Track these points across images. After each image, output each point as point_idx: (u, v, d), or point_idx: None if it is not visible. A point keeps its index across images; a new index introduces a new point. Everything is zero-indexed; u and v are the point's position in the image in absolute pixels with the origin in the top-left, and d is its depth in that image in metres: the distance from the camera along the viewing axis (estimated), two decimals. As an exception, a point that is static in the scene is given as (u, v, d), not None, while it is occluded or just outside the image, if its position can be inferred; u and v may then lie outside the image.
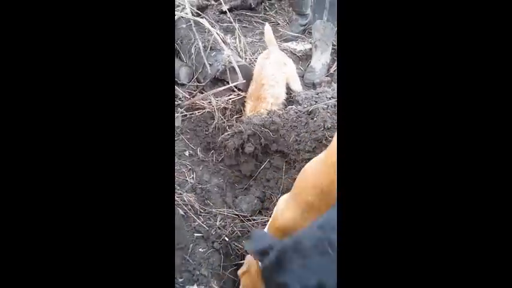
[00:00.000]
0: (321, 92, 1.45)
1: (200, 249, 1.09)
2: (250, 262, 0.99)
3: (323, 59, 1.86)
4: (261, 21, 2.51)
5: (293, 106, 1.43)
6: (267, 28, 1.74)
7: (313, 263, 0.69)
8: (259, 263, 0.77)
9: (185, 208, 1.21)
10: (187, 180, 1.35)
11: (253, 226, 1.22)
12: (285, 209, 1.01)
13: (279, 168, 1.39)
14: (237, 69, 1.53)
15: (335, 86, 1.55)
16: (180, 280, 1.00)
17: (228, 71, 1.59)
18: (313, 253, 0.70)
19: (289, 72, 1.67)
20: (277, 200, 1.27)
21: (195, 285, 0.99)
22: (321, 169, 0.95)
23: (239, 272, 0.99)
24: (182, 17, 1.68)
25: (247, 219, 1.25)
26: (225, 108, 1.66)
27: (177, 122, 1.61)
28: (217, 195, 1.35)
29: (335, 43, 1.93)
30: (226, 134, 1.37)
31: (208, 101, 1.63)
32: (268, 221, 1.10)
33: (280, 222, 1.00)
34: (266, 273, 0.75)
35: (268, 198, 1.37)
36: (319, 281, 0.66)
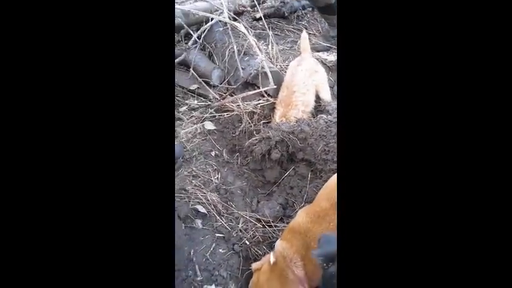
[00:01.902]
0: (353, 104, 1.43)
1: (220, 250, 1.08)
2: (265, 261, 0.99)
3: None
4: (293, 29, 2.54)
5: (323, 115, 1.41)
6: (304, 36, 1.74)
7: None
8: (323, 266, 0.74)
9: (208, 207, 1.21)
10: (211, 180, 1.35)
11: (273, 232, 1.21)
12: (302, 211, 1.01)
13: (304, 176, 1.37)
14: (269, 74, 1.54)
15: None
16: (199, 279, 1.00)
17: (259, 76, 1.60)
18: None
19: (320, 80, 1.66)
20: (299, 208, 1.26)
21: (213, 285, 0.98)
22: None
23: (253, 266, 0.99)
24: (220, 20, 1.72)
25: (269, 225, 1.23)
26: (253, 113, 1.67)
27: (209, 126, 1.63)
28: (240, 198, 1.35)
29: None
30: (254, 138, 1.37)
31: (238, 104, 1.64)
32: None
33: (293, 222, 1.00)
34: (329, 283, 0.72)
35: (290, 206, 1.35)
36: None
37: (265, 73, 1.56)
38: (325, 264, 0.72)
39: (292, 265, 0.92)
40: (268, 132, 1.32)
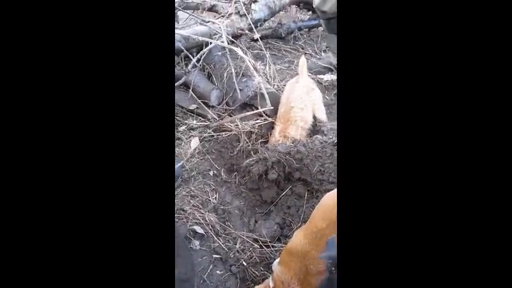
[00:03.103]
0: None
1: (218, 271, 1.09)
2: (265, 285, 1.00)
3: None
4: (290, 49, 2.61)
5: (318, 136, 1.45)
6: (303, 60, 1.82)
7: None
8: (331, 269, 0.75)
9: (206, 228, 1.22)
10: (209, 200, 1.37)
11: (271, 253, 1.22)
12: (298, 232, 1.03)
13: (301, 196, 1.39)
14: (266, 95, 1.59)
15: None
16: None
17: (257, 97, 1.65)
18: None
19: (316, 98, 1.71)
20: (297, 228, 1.28)
21: (211, 308, 0.99)
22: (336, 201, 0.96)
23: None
24: (218, 44, 1.78)
25: (266, 246, 1.24)
26: (251, 132, 1.71)
27: (194, 144, 1.66)
28: (238, 218, 1.37)
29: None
30: (251, 159, 1.40)
31: (236, 124, 1.68)
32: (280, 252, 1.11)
33: (289, 244, 1.01)
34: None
35: (287, 226, 1.37)
36: None
37: (263, 94, 1.61)
38: (333, 268, 0.74)
39: None
40: (265, 153, 1.36)
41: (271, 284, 0.98)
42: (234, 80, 1.68)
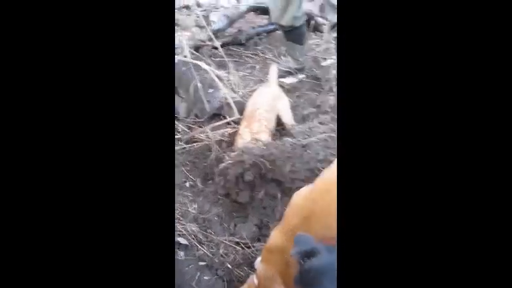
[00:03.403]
0: (313, 127, 1.59)
1: (205, 277, 1.16)
2: (250, 284, 1.09)
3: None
4: (251, 55, 2.71)
5: (288, 138, 1.56)
6: (273, 68, 1.92)
7: None
8: (300, 262, 0.84)
9: (189, 238, 1.28)
10: (189, 211, 1.43)
11: (252, 253, 1.30)
12: (275, 231, 1.12)
13: (275, 196, 1.49)
14: (233, 105, 1.67)
15: (324, 118, 1.71)
16: None
17: (224, 107, 1.72)
18: None
19: (283, 105, 1.82)
20: (273, 227, 1.38)
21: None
22: (307, 196, 1.07)
23: None
24: (181, 59, 1.83)
25: (248, 247, 1.33)
26: (222, 141, 1.78)
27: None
28: (218, 224, 1.44)
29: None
30: (228, 162, 1.47)
31: (206, 134, 1.75)
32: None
33: (269, 242, 1.11)
34: (306, 277, 0.81)
35: (265, 225, 1.46)
36: None
37: (229, 104, 1.69)
38: (301, 261, 0.84)
39: (274, 283, 1.03)
40: (242, 156, 1.44)
41: (255, 281, 1.07)
42: (201, 92, 1.74)
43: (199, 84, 1.75)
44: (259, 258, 1.14)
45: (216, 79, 1.72)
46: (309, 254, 0.84)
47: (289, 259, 1.04)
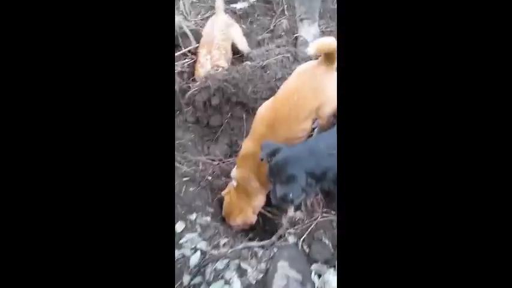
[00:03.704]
0: (270, 49, 1.69)
1: (190, 189, 1.34)
2: (230, 187, 1.31)
3: (313, 30, 1.84)
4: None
5: (248, 62, 1.65)
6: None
7: (317, 159, 0.98)
8: (268, 161, 1.05)
9: (169, 161, 1.43)
10: (164, 139, 1.54)
11: (227, 166, 1.50)
12: (245, 141, 1.32)
13: (240, 117, 1.65)
14: (189, 33, 1.68)
15: (279, 41, 1.81)
16: (179, 231, 1.22)
17: (179, 37, 1.72)
18: (317, 155, 0.98)
19: (235, 32, 1.86)
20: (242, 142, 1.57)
21: (194, 215, 1.26)
22: (269, 106, 1.25)
23: (223, 192, 1.31)
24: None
25: (222, 162, 1.52)
26: (182, 72, 1.81)
27: None
28: (192, 147, 1.58)
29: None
30: (194, 89, 1.55)
31: (166, 66, 1.76)
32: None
33: (241, 151, 1.31)
34: (274, 170, 1.02)
35: (235, 144, 1.64)
36: (323, 170, 0.93)
37: (185, 33, 1.68)
38: (268, 159, 1.06)
39: (250, 181, 1.25)
40: (206, 82, 1.53)
41: (234, 183, 1.28)
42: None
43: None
44: (234, 169, 1.34)
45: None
46: (273, 153, 1.05)
47: (259, 162, 1.25)
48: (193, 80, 1.74)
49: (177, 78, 1.75)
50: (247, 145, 1.29)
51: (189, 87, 1.72)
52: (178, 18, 1.70)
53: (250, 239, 1.26)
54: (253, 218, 1.30)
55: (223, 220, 1.33)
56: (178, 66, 1.78)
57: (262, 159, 1.10)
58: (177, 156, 1.46)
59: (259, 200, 1.30)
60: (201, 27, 1.90)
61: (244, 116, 1.64)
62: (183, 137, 1.62)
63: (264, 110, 1.28)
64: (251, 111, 1.61)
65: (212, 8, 2.19)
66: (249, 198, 1.27)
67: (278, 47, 1.73)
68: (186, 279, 1.09)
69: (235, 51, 1.86)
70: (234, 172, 1.32)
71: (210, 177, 1.41)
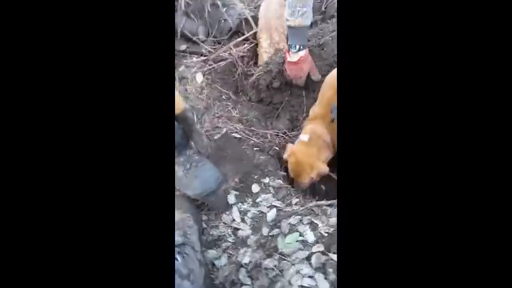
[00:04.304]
0: (323, 28, 1.79)
1: (261, 157, 1.51)
2: (291, 148, 1.43)
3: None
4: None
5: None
6: None
7: None
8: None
9: (240, 134, 1.60)
10: (233, 115, 1.72)
11: (291, 137, 1.65)
12: (313, 107, 1.47)
13: (300, 95, 1.78)
14: (251, 20, 1.83)
15: (333, 20, 1.89)
16: (255, 192, 1.39)
17: (243, 23, 1.88)
18: None
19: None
20: (303, 119, 1.70)
21: (267, 179, 1.42)
22: (335, 75, 1.38)
23: (285, 155, 1.45)
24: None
25: (286, 135, 1.67)
26: (243, 57, 1.98)
27: (199, 78, 1.93)
28: (258, 123, 1.75)
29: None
30: (258, 74, 1.72)
31: (229, 52, 1.94)
32: (300, 133, 1.53)
33: (310, 116, 1.45)
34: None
35: (295, 119, 1.78)
36: None
37: (247, 19, 1.84)
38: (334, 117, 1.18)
39: (324, 136, 1.38)
40: (268, 66, 1.68)
41: (307, 137, 1.40)
42: (222, 10, 1.88)
43: (219, 3, 1.87)
44: (301, 135, 1.47)
45: (231, -3, 1.83)
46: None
47: (329, 123, 1.37)
48: (256, 64, 1.90)
49: (239, 62, 1.93)
50: (316, 110, 1.44)
51: (250, 70, 1.89)
52: (240, 5, 1.86)
53: (318, 200, 1.40)
54: (326, 169, 1.39)
55: (292, 181, 1.47)
56: (240, 51, 1.95)
57: (332, 120, 1.22)
58: (245, 129, 1.64)
59: (329, 154, 1.42)
60: (257, 12, 2.04)
61: (304, 93, 1.76)
62: (248, 113, 1.79)
63: (330, 77, 1.41)
64: (310, 89, 1.73)
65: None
66: (318, 152, 1.39)
67: (332, 25, 1.81)
68: (265, 231, 1.26)
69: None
70: (308, 128, 1.46)
71: (276, 148, 1.57)
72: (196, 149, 1.24)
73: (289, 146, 1.46)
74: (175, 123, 1.14)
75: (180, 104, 1.14)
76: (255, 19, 1.92)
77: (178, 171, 1.19)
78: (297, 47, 1.44)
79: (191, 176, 1.19)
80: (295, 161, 1.40)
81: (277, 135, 1.67)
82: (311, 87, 1.72)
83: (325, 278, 1.09)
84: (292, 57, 1.48)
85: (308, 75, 1.60)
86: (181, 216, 1.12)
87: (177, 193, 1.30)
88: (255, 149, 1.54)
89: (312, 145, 1.40)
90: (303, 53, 1.47)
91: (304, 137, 1.43)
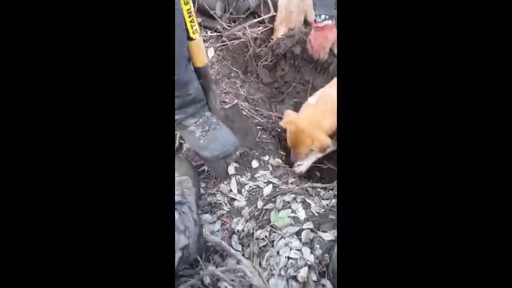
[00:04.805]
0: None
1: (264, 136, 1.56)
2: (289, 116, 1.42)
3: None
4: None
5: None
6: None
7: None
8: None
9: (246, 111, 1.64)
10: (240, 94, 1.76)
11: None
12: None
13: (308, 81, 1.82)
14: (270, 3, 1.85)
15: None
16: (254, 167, 1.44)
17: (261, 5, 1.90)
18: None
19: (308, 4, 2.01)
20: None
21: (267, 157, 1.47)
22: None
23: (282, 122, 1.43)
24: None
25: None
26: (256, 38, 2.01)
27: (210, 53, 1.95)
28: (262, 104, 1.79)
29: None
30: (278, 38, 1.74)
31: (243, 32, 1.96)
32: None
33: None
34: None
35: (299, 105, 1.82)
36: None
37: (265, 1, 1.86)
38: None
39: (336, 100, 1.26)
40: (291, 31, 1.72)
41: (316, 99, 1.37)
42: (241, -11, 1.90)
43: (237, -18, 1.88)
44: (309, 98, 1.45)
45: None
46: None
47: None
48: (270, 41, 1.93)
49: (252, 43, 1.96)
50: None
51: (262, 50, 1.93)
52: (260, -12, 1.88)
53: (313, 182, 1.46)
54: (329, 141, 1.31)
55: (289, 152, 1.48)
56: (254, 32, 1.97)
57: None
58: (251, 108, 1.68)
59: (334, 121, 1.32)
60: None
61: (311, 79, 1.81)
62: (255, 94, 1.83)
63: None
64: (320, 69, 1.77)
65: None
66: (323, 117, 1.31)
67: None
68: (259, 204, 1.32)
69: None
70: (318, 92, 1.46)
71: (279, 129, 1.62)
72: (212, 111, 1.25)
73: (288, 112, 1.44)
74: (196, 77, 1.14)
75: (202, 58, 1.16)
76: (274, 3, 1.95)
77: (196, 132, 1.21)
78: (323, 16, 1.46)
79: (210, 137, 1.20)
80: (295, 129, 1.34)
81: (281, 118, 1.72)
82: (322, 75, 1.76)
83: (311, 253, 1.15)
84: (318, 24, 1.50)
85: (330, 51, 1.59)
86: (181, 178, 1.16)
87: (179, 156, 1.34)
88: (258, 127, 1.58)
89: (319, 110, 1.33)
90: (329, 22, 1.49)
91: (312, 99, 1.39)
